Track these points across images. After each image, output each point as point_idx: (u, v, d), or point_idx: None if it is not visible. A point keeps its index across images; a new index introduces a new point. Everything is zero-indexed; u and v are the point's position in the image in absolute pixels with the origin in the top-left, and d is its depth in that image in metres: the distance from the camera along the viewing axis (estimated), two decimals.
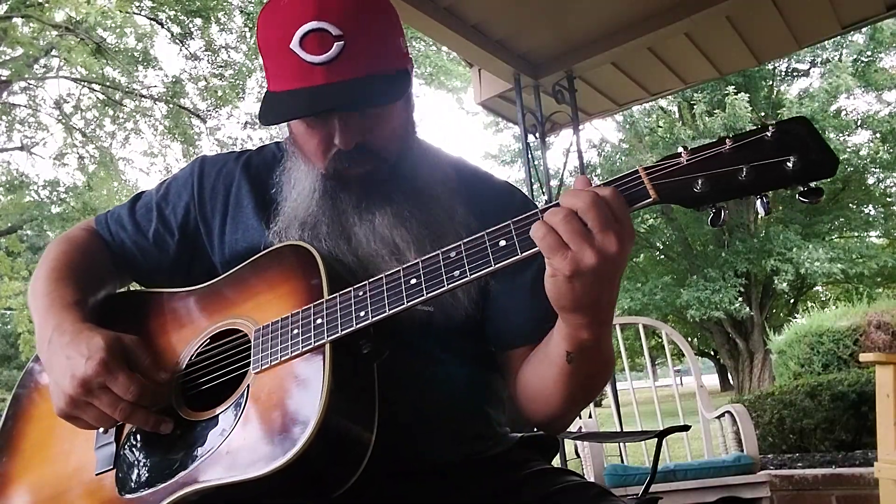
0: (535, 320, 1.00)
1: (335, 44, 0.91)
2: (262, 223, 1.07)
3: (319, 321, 0.88)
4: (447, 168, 1.12)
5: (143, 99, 14.15)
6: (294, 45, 0.91)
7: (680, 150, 0.78)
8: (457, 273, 0.83)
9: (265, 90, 1.01)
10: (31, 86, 13.67)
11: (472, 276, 0.83)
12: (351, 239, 1.00)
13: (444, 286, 0.84)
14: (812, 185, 0.74)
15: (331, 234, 1.00)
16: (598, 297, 0.79)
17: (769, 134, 0.75)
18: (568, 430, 3.05)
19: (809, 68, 17.65)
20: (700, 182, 0.75)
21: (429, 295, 0.84)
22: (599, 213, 0.75)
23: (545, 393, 0.96)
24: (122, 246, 1.16)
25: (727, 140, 0.76)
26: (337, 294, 0.90)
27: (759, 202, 0.77)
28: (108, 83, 13.79)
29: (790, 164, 0.73)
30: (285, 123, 1.04)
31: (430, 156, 1.12)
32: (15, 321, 13.32)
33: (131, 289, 1.24)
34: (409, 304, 0.85)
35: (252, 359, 0.92)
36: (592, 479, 2.63)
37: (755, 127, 0.78)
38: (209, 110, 14.50)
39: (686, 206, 0.77)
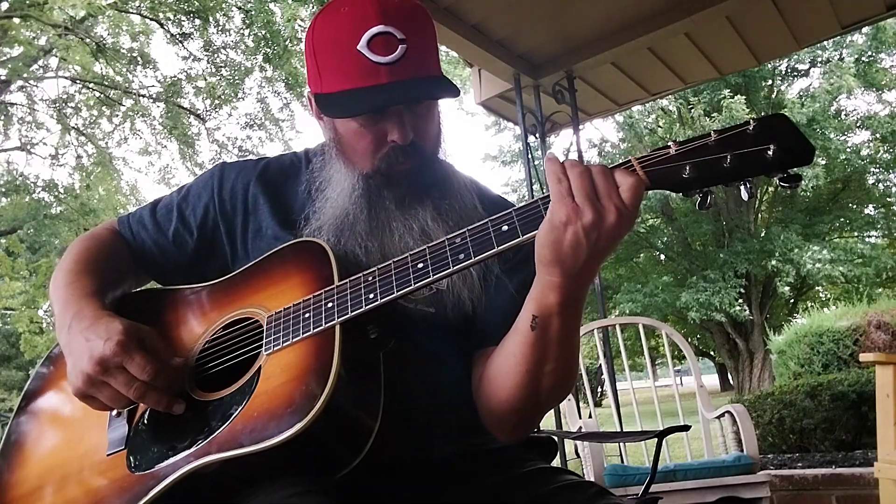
0: (509, 323, 0.99)
1: (399, 46, 0.98)
2: (280, 224, 1.12)
3: (330, 305, 0.92)
4: (466, 180, 1.18)
5: (141, 98, 14.12)
6: (361, 46, 0.98)
7: (669, 143, 0.84)
8: (461, 256, 0.88)
9: (318, 92, 1.06)
10: (29, 85, 13.66)
11: (477, 259, 0.87)
12: (385, 234, 1.05)
13: (449, 268, 0.88)
14: (791, 171, 0.79)
15: (370, 230, 1.05)
16: (577, 257, 0.83)
17: (751, 127, 0.81)
18: (568, 430, 3.04)
19: (809, 68, 17.64)
20: (688, 169, 0.81)
21: (435, 276, 0.89)
22: (609, 184, 0.82)
23: (503, 369, 0.97)
24: (143, 245, 1.21)
25: (713, 133, 0.82)
26: (347, 280, 0.94)
27: (742, 187, 0.82)
28: (106, 82, 13.76)
29: (770, 153, 0.79)
30: (318, 127, 1.12)
31: (452, 168, 1.18)
32: (15, 321, 13.31)
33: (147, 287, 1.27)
34: (417, 285, 0.89)
35: (264, 341, 0.95)
36: (592, 479, 2.63)
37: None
38: (208, 110, 14.49)
39: (675, 191, 0.83)
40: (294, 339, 0.92)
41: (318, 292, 0.95)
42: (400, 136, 1.01)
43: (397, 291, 0.90)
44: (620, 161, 0.87)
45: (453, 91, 1.02)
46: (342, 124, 1.07)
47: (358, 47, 0.98)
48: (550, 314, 0.89)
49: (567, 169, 0.83)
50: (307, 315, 0.93)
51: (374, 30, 0.98)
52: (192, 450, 0.89)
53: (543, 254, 0.84)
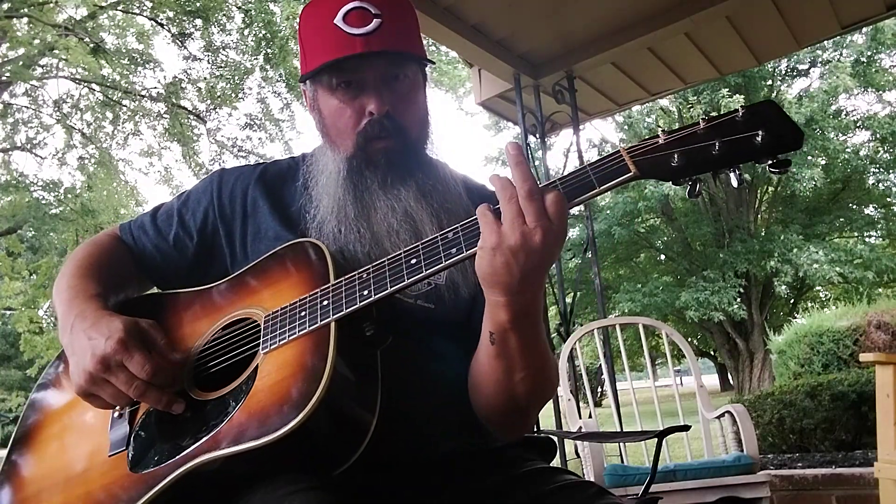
0: None
1: (374, 19, 1.04)
2: (280, 223, 1.13)
3: (326, 303, 0.93)
4: (454, 172, 1.19)
5: (142, 99, 14.11)
6: (338, 20, 1.04)
7: (659, 132, 0.84)
8: (454, 250, 0.88)
9: (304, 73, 1.11)
10: (31, 86, 13.65)
11: (469, 253, 0.88)
12: (371, 215, 1.06)
13: (441, 262, 0.89)
14: (780, 157, 0.79)
15: (358, 212, 1.06)
16: (512, 276, 0.84)
17: (739, 115, 0.81)
18: (568, 430, 3.04)
19: (809, 68, 17.63)
20: (676, 157, 0.82)
21: (428, 271, 0.89)
22: (535, 206, 0.82)
23: (480, 378, 1.00)
24: (144, 250, 1.22)
25: (702, 121, 0.83)
26: (342, 278, 0.95)
27: (732, 174, 0.82)
28: (107, 83, 13.76)
29: (759, 139, 0.79)
30: (308, 129, 1.14)
31: (440, 161, 1.18)
32: (15, 321, 13.32)
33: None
34: (410, 280, 0.90)
35: (261, 340, 0.96)
36: (592, 479, 2.63)
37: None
38: (209, 111, 14.48)
39: (664, 179, 0.83)
40: (290, 338, 0.93)
41: (315, 291, 0.96)
42: (376, 107, 1.05)
43: (391, 287, 0.91)
44: (610, 152, 0.87)
45: (424, 62, 1.09)
46: (325, 104, 1.10)
47: (334, 21, 1.04)
48: (505, 330, 0.90)
49: (499, 192, 0.85)
50: (303, 313, 0.94)
51: (350, 5, 1.04)
52: (192, 448, 0.89)
53: (482, 277, 0.87)
